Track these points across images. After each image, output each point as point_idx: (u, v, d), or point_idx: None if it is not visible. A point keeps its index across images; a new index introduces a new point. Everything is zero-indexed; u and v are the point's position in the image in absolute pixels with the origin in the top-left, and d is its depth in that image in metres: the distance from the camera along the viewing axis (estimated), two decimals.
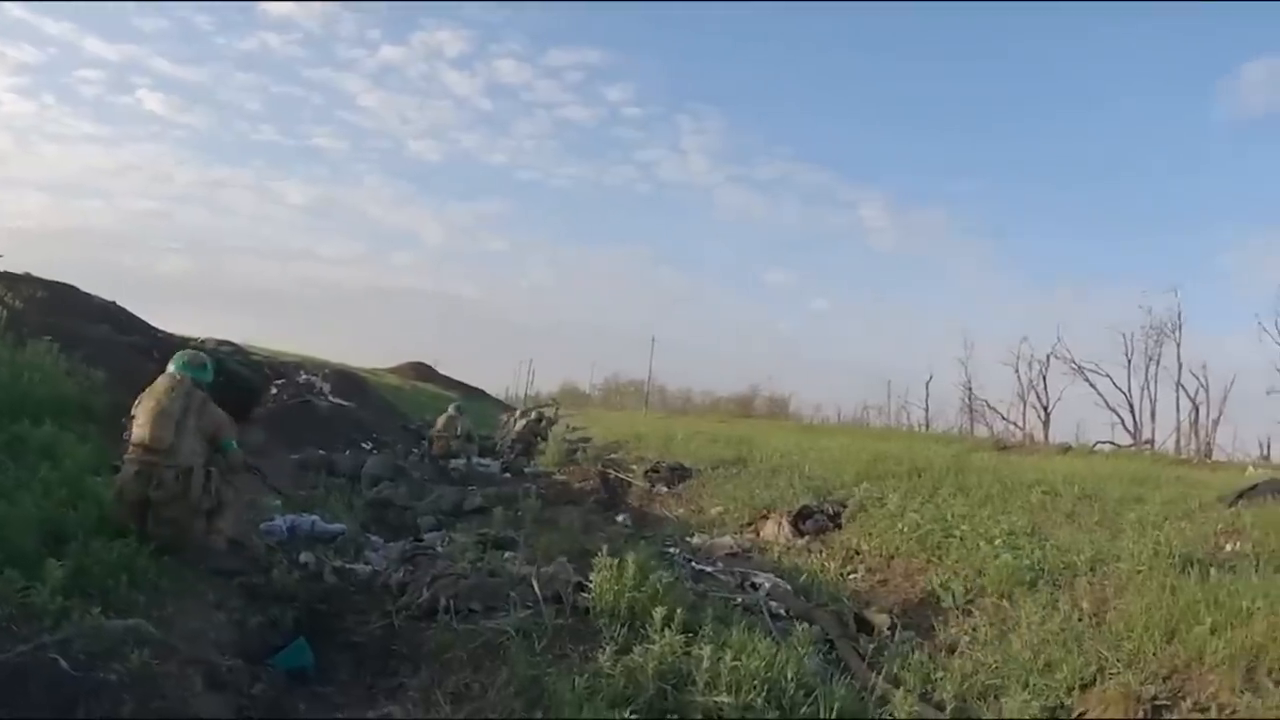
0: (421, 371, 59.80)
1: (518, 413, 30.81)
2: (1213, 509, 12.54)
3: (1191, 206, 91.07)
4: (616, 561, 7.25)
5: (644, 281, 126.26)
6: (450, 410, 22.22)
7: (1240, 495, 13.39)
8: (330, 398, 26.66)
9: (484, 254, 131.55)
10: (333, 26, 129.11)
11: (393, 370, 55.42)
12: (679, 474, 18.47)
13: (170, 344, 17.59)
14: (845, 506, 13.85)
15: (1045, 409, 51.64)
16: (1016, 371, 53.02)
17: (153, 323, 21.65)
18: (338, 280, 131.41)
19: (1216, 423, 46.16)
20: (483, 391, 66.72)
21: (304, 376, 29.18)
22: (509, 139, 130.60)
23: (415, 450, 22.27)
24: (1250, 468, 33.26)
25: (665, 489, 17.71)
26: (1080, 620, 8.13)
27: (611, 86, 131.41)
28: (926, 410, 57.15)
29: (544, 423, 29.10)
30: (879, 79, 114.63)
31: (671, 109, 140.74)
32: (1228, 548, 10.81)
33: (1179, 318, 48.29)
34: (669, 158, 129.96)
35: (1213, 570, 8.85)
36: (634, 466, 20.12)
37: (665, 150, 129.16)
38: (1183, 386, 47.32)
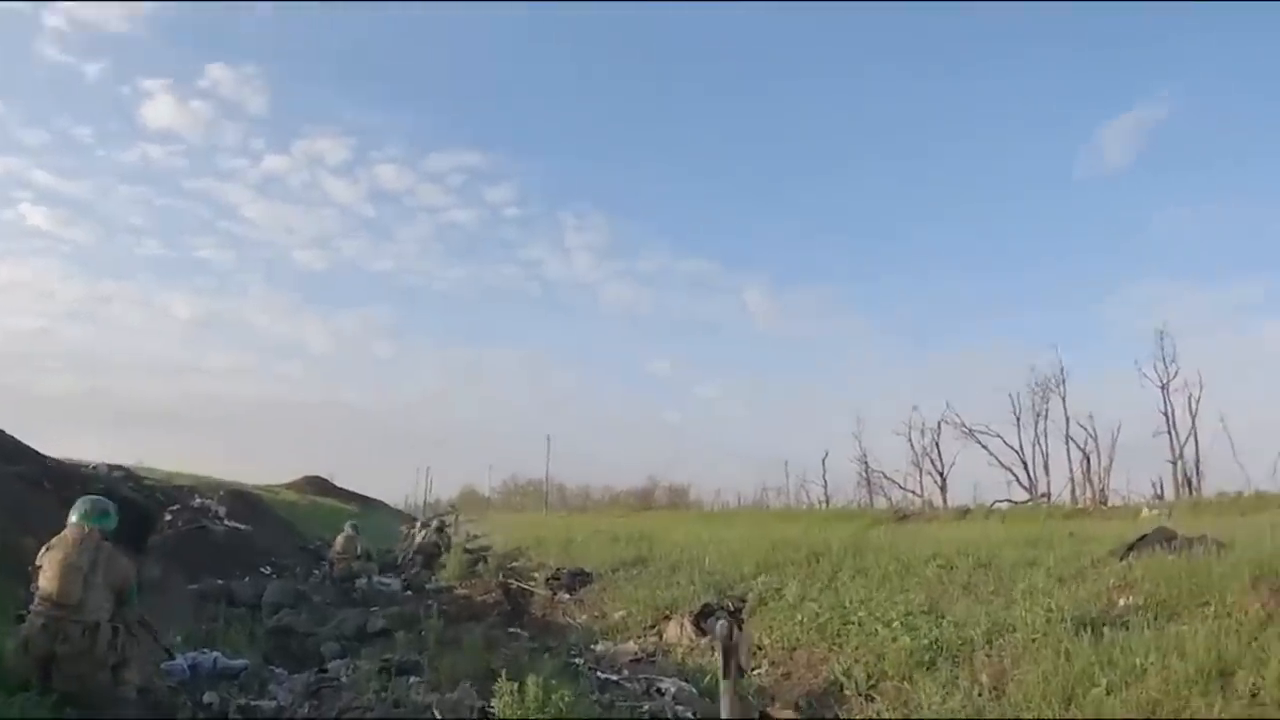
0: (318, 486, 58.67)
1: (418, 524, 30.73)
2: (1105, 564, 13.28)
3: (1067, 261, 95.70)
4: (517, 685, 7.51)
5: (536, 380, 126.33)
6: (347, 529, 22.07)
7: (1130, 548, 14.11)
8: (226, 521, 26.20)
9: (373, 361, 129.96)
10: (214, 137, 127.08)
11: (289, 486, 54.24)
12: (580, 579, 18.77)
13: (61, 472, 17.34)
14: (745, 601, 14.22)
15: (941, 474, 53.07)
16: (910, 441, 54.58)
17: (40, 449, 21.17)
18: (228, 394, 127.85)
19: (1109, 469, 48.16)
20: (382, 502, 65.78)
21: (198, 500, 28.57)
22: (393, 244, 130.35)
23: (315, 571, 22.13)
24: (1144, 509, 34.84)
25: (568, 595, 17.98)
26: (980, 695, 8.55)
27: (493, 188, 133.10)
28: (825, 487, 57.82)
29: (444, 533, 29.07)
30: (749, 165, 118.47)
31: (553, 207, 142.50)
32: (1121, 603, 11.48)
33: (1062, 372, 50.66)
34: (553, 256, 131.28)
35: (1106, 629, 9.42)
36: (535, 574, 20.36)
37: (549, 249, 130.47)
38: (1072, 439, 49.32)
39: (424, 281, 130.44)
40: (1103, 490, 47.48)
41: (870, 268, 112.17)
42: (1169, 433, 46.14)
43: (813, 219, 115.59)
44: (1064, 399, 50.22)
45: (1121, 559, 13.53)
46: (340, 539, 21.79)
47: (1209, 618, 9.69)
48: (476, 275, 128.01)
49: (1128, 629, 9.33)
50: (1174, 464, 45.62)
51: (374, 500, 63.03)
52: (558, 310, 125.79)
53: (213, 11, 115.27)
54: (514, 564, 22.88)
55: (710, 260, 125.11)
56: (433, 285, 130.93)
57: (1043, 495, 48.52)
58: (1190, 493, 42.97)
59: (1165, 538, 14.17)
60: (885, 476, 55.58)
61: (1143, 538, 14.49)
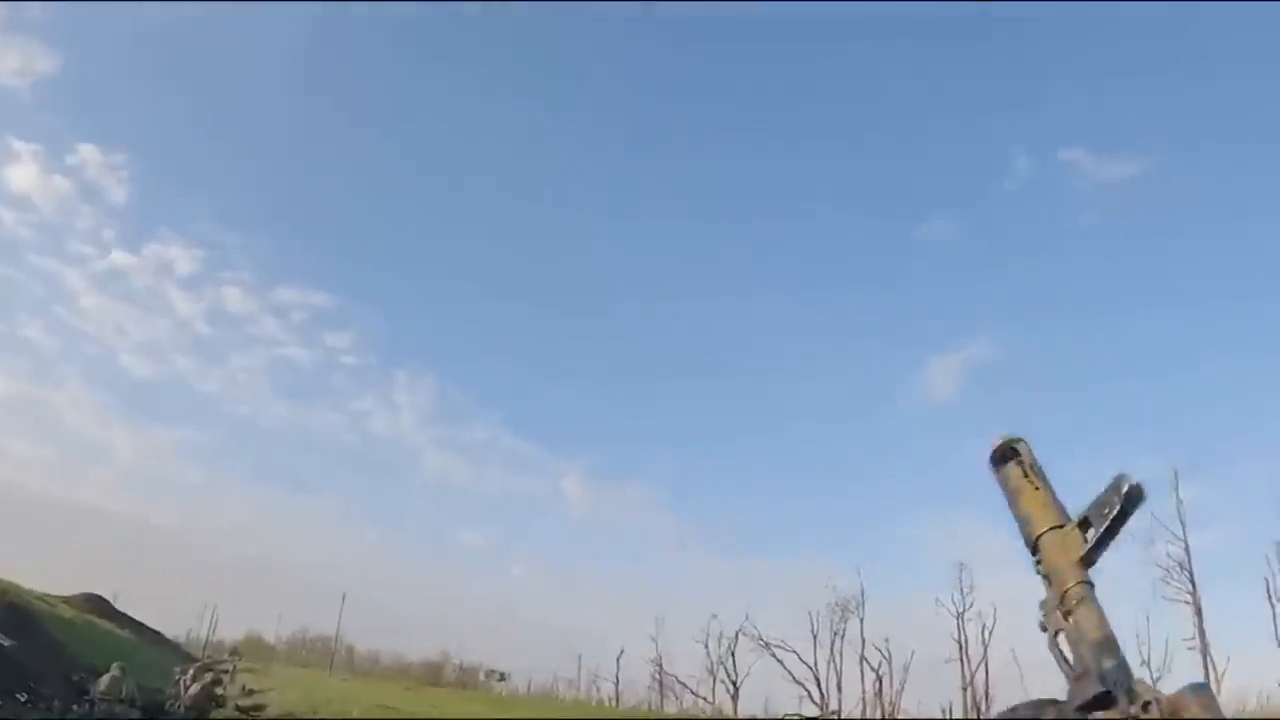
0: (97, 605, 55.21)
1: (190, 672, 29.76)
2: None
3: (876, 487, 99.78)
4: None
5: (340, 533, 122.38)
6: (114, 670, 21.50)
7: None
8: None
9: (180, 484, 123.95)
10: (70, 217, 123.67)
11: (67, 600, 51.34)
12: None
13: None
14: None
15: (734, 684, 53.84)
16: (706, 647, 55.46)
17: None
18: (23, 485, 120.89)
19: (900, 691, 49.61)
20: (161, 635, 62.44)
21: None
22: (223, 369, 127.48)
23: (75, 706, 21.34)
24: None
25: None
26: None
27: (334, 332, 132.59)
28: (617, 684, 58.01)
29: (218, 687, 28.13)
30: (582, 352, 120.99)
31: (388, 363, 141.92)
32: None
33: (862, 595, 52.84)
34: (381, 411, 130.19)
35: None
36: None
37: (378, 402, 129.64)
38: (866, 659, 51.33)
39: (250, 413, 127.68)
40: (894, 711, 48.96)
41: (688, 473, 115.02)
42: (961, 659, 48.60)
43: (637, 420, 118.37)
44: (862, 620, 52.49)
45: None
46: (106, 679, 21.23)
47: None
48: (303, 416, 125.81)
49: None
50: (965, 690, 47.73)
51: (153, 631, 59.83)
52: (379, 466, 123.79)
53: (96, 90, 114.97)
54: None
55: (534, 442, 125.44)
56: (257, 418, 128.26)
57: (833, 712, 49.64)
58: (979, 717, 44.77)
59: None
60: (679, 681, 56.19)
61: None
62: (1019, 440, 2.56)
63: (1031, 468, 2.48)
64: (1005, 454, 2.50)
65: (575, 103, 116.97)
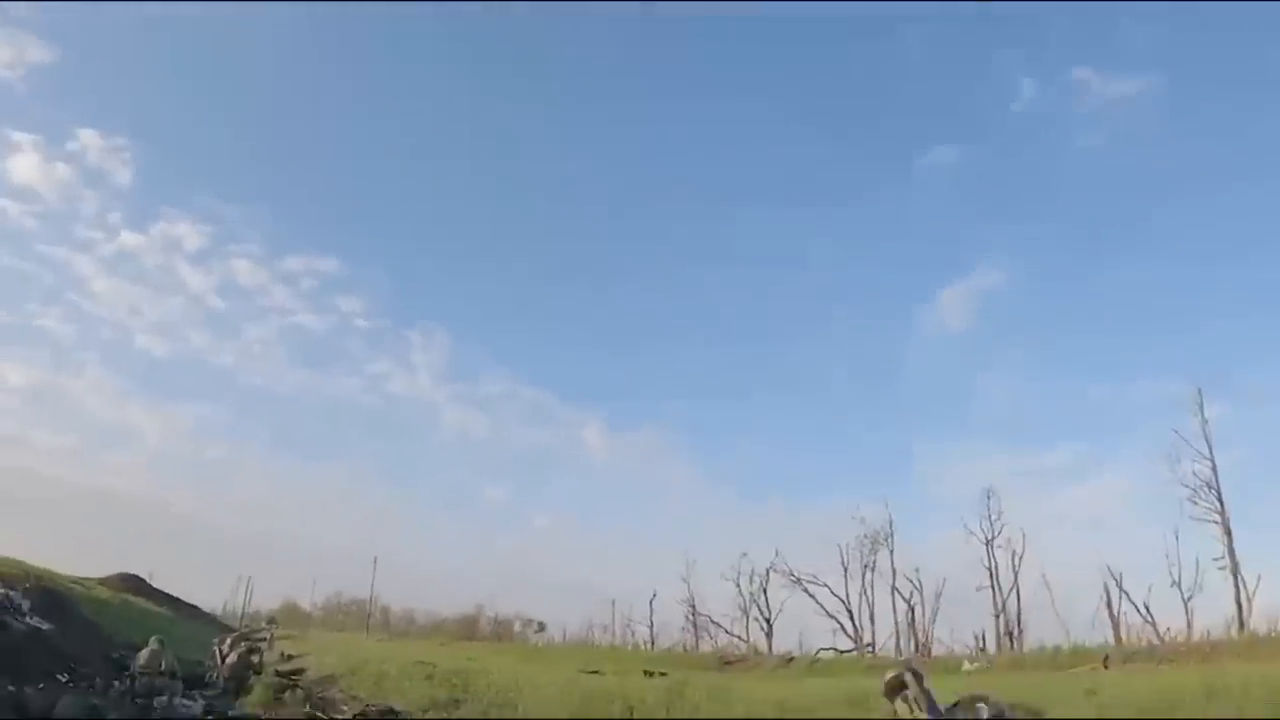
0: (133, 584, 55.64)
1: (228, 641, 29.82)
2: None
3: (895, 418, 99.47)
4: None
5: (366, 497, 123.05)
6: (153, 644, 21.34)
7: (945, 713, 14.60)
8: (28, 619, 25.02)
9: (204, 460, 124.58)
10: (74, 203, 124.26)
11: (103, 581, 51.48)
12: (390, 718, 18.41)
13: None
14: None
15: (768, 621, 54.04)
16: (738, 586, 55.57)
17: None
18: (50, 475, 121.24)
19: (933, 621, 49.67)
20: (198, 609, 62.79)
21: (1, 591, 27.23)
22: (238, 341, 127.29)
23: (116, 683, 21.24)
24: (965, 663, 35.98)
25: None
26: None
27: (345, 296, 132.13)
28: (651, 628, 58.51)
29: (255, 655, 28.07)
30: (590, 303, 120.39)
31: (401, 324, 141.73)
32: None
33: (890, 526, 52.68)
34: (397, 372, 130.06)
35: None
36: (344, 707, 19.94)
37: (394, 364, 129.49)
38: (898, 590, 51.17)
39: (265, 383, 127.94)
40: (926, 642, 48.96)
41: (706, 418, 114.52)
42: (992, 587, 48.39)
43: (653, 368, 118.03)
44: (891, 552, 52.30)
45: None
46: (145, 653, 21.08)
47: None
48: (320, 383, 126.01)
49: None
50: (997, 617, 47.67)
51: (190, 606, 60.19)
52: (398, 427, 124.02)
53: (92, 77, 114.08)
54: (324, 694, 22.28)
55: (550, 390, 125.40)
56: (274, 388, 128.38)
57: (868, 645, 49.79)
58: (1012, 644, 44.96)
59: (979, 699, 14.67)
60: (712, 620, 56.49)
61: (957, 703, 15.00)
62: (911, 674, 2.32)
63: (917, 700, 2.27)
64: (895, 687, 2.34)
65: (566, 57, 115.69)
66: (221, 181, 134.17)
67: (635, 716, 16.30)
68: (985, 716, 14.07)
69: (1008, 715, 13.75)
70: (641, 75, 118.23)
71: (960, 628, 49.53)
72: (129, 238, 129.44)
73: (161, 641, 21.82)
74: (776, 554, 54.51)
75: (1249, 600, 39.69)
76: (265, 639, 32.56)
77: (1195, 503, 42.56)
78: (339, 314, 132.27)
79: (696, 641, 55.38)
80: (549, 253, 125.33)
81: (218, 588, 73.31)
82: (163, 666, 20.66)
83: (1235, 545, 41.26)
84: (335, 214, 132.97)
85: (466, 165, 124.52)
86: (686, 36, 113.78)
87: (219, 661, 27.59)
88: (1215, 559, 41.61)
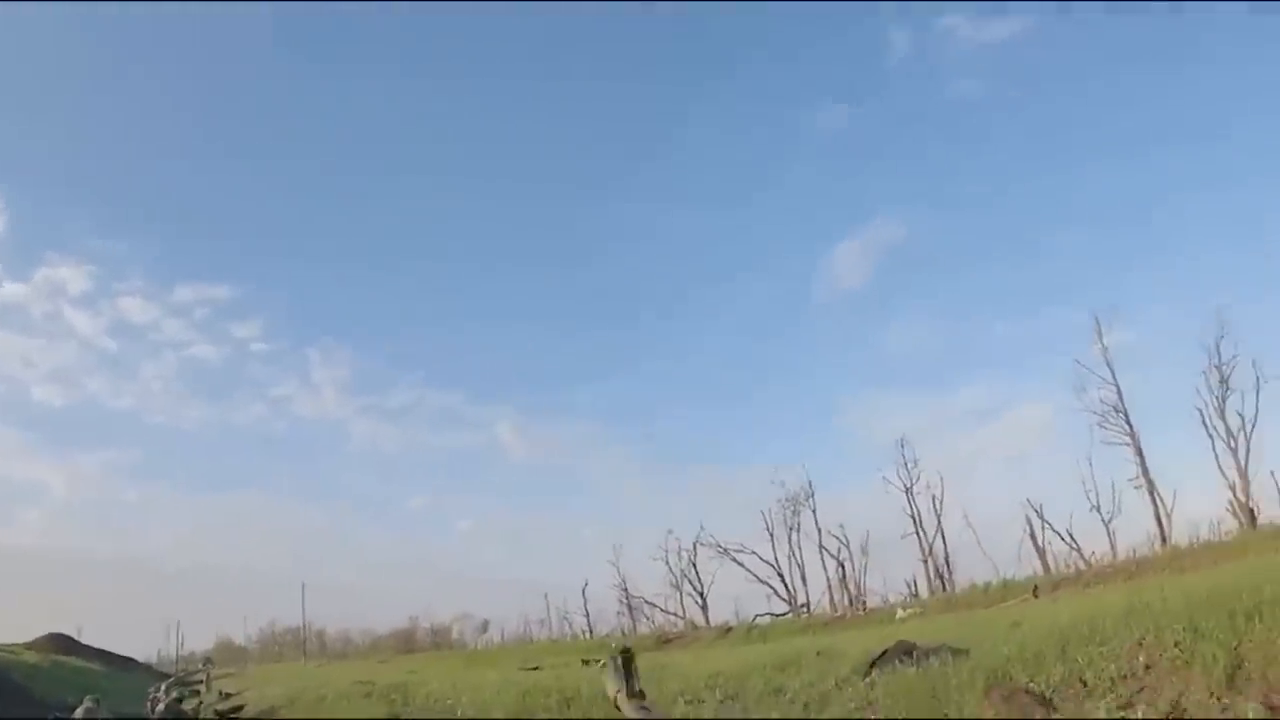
0: (62, 644, 53.85)
1: (163, 688, 29.27)
2: (850, 683, 14.16)
3: (806, 378, 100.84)
4: None
5: (288, 523, 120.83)
6: (87, 703, 20.94)
7: (873, 664, 15.08)
8: None
9: (117, 507, 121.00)
10: None
11: (30, 645, 49.98)
12: None
13: None
14: None
15: (701, 594, 55.13)
16: (667, 564, 56.44)
17: None
18: None
19: (864, 573, 50.88)
20: (132, 660, 61.24)
21: None
22: (135, 382, 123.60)
23: None
24: (900, 610, 36.95)
25: None
26: None
27: (240, 323, 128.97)
28: (587, 617, 59.10)
29: (193, 699, 27.59)
30: (486, 301, 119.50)
31: (300, 343, 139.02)
32: None
33: (810, 486, 53.84)
34: (301, 394, 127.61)
35: None
36: None
37: (297, 385, 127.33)
38: (825, 548, 52.41)
39: (170, 420, 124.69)
40: (859, 595, 50.06)
41: (617, 400, 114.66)
42: (917, 533, 49.98)
43: (556, 355, 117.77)
44: (814, 511, 53.68)
45: (865, 677, 14.47)
46: (80, 711, 20.62)
47: None
48: (224, 413, 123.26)
49: None
50: (925, 562, 49.06)
51: (123, 658, 58.62)
52: (309, 448, 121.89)
53: None
54: None
55: (458, 393, 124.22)
56: (178, 425, 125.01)
57: (802, 605, 50.90)
58: (944, 586, 46.27)
59: (905, 650, 15.23)
60: (646, 601, 57.52)
61: (884, 653, 15.50)
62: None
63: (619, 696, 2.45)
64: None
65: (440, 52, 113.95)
66: (100, 217, 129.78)
67: (571, 709, 16.46)
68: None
69: (933, 656, 14.24)
70: (521, 60, 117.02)
71: (892, 576, 51.34)
72: (12, 288, 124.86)
73: (96, 699, 21.40)
74: (702, 528, 55.53)
75: (1168, 515, 41.77)
76: (201, 681, 32.04)
77: (1105, 427, 44.40)
78: (234, 341, 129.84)
79: (634, 624, 56.18)
80: (442, 256, 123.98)
81: (150, 635, 71.53)
82: None
83: (1149, 464, 43.43)
84: (222, 238, 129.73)
85: (353, 175, 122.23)
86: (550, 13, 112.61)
87: (151, 711, 27.12)
88: (1130, 479, 43.61)
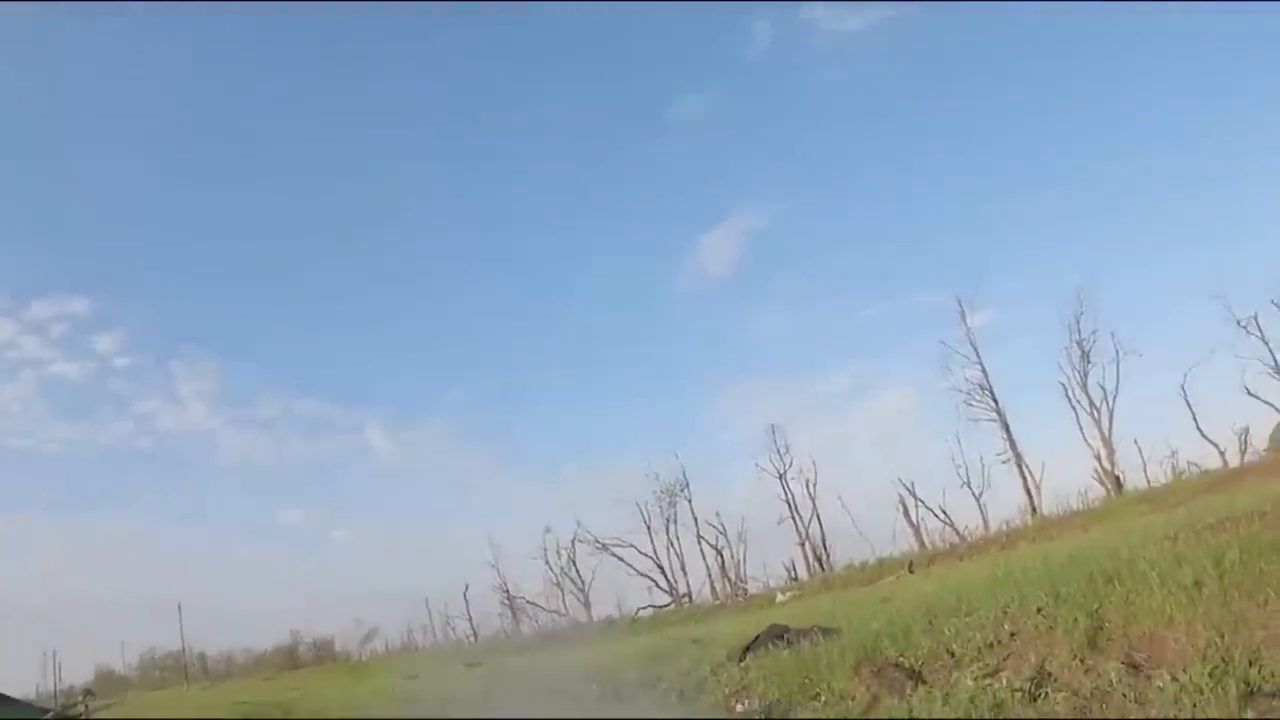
0: None
1: None
2: (725, 669, 14.06)
3: (674, 370, 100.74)
4: None
5: (160, 545, 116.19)
6: None
7: (747, 649, 14.98)
8: None
9: None
10: None
11: None
12: None
13: None
14: None
15: (583, 590, 54.37)
16: (547, 562, 55.69)
17: None
18: None
19: (744, 560, 51.08)
20: (6, 696, 58.21)
21: None
22: None
23: None
24: (779, 594, 37.20)
25: None
26: None
27: (100, 336, 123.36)
28: (470, 620, 57.91)
29: None
30: (350, 307, 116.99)
31: (164, 355, 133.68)
32: (738, 708, 12.22)
33: (684, 476, 53.67)
34: (166, 408, 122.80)
35: None
36: None
37: (162, 400, 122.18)
38: (703, 538, 52.33)
39: (33, 444, 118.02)
40: (740, 581, 50.35)
41: (485, 400, 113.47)
42: (793, 517, 50.26)
43: (423, 357, 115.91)
44: (690, 501, 53.59)
45: (739, 661, 14.39)
46: None
47: (820, 709, 10.55)
48: (89, 432, 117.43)
49: None
50: (802, 545, 49.45)
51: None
52: (177, 465, 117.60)
53: None
54: None
55: (326, 401, 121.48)
56: (43, 448, 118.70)
57: (684, 595, 50.83)
58: (822, 568, 46.69)
59: (778, 634, 15.20)
60: (528, 601, 56.43)
61: (757, 638, 15.46)
62: None
63: None
64: None
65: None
66: None
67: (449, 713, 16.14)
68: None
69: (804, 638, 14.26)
70: (365, 58, 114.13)
71: (772, 561, 51.17)
72: None
73: None
74: (579, 524, 54.87)
75: (1037, 487, 42.83)
76: (81, 714, 30.67)
77: (971, 405, 45.39)
78: (96, 356, 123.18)
79: (517, 624, 55.30)
80: (303, 261, 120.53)
81: (26, 670, 67.95)
82: None
83: (1016, 439, 44.41)
84: (77, 246, 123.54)
85: (213, 175, 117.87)
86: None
87: None
88: (998, 454, 44.56)
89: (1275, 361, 40.28)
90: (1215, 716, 7.51)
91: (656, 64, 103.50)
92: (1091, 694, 8.79)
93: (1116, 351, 42.95)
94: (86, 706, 35.09)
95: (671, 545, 53.40)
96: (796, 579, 46.72)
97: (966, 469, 46.06)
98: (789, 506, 50.62)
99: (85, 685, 56.12)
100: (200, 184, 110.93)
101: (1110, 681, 8.78)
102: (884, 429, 78.21)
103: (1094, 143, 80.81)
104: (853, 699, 10.79)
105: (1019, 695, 9.29)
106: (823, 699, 11.17)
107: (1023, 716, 8.93)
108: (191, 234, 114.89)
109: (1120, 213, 78.70)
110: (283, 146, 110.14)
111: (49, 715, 35.05)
